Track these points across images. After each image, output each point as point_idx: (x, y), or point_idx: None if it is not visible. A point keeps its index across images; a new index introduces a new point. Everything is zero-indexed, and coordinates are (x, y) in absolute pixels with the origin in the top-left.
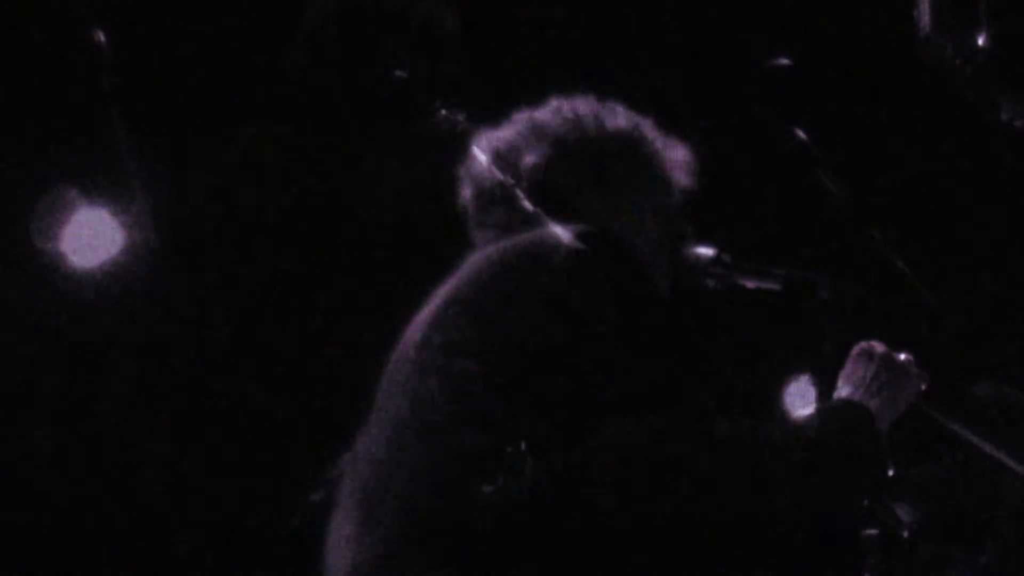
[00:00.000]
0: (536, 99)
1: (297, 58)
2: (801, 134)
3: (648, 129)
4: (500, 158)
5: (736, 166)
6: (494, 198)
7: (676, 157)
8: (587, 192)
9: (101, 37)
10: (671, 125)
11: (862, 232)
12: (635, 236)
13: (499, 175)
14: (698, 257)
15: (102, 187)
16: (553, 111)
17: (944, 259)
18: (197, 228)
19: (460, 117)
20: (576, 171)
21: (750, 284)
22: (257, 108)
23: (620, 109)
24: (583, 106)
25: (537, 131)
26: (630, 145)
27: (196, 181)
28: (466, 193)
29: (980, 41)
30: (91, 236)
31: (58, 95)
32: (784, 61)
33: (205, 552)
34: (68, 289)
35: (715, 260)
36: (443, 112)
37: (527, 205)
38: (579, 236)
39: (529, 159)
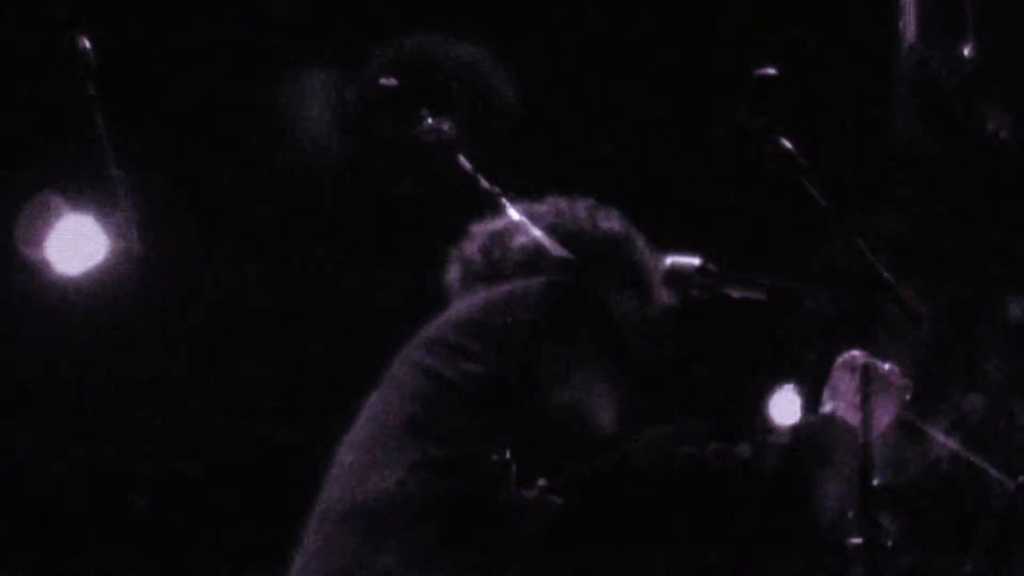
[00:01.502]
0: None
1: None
2: (786, 143)
3: (639, 239)
4: (491, 240)
5: (721, 175)
6: (478, 277)
7: (661, 270)
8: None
9: (86, 42)
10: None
11: (846, 241)
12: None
13: (485, 184)
14: (684, 267)
15: (87, 193)
16: (550, 204)
17: (930, 268)
18: (181, 234)
19: (446, 127)
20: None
21: (735, 294)
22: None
23: (616, 214)
24: (580, 204)
25: (531, 217)
26: (618, 248)
27: (181, 186)
28: (453, 272)
29: (966, 52)
30: (76, 243)
31: (43, 100)
32: (769, 71)
33: (194, 554)
34: (52, 296)
35: (700, 270)
36: (429, 121)
37: (514, 214)
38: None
39: (519, 240)
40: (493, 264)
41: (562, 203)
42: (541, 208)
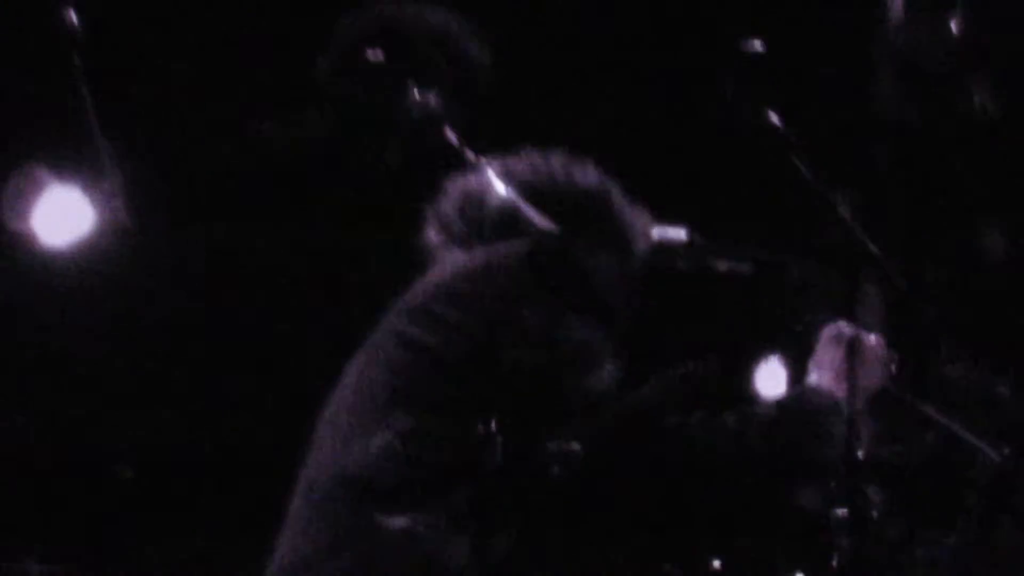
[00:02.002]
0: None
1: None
2: (774, 118)
3: (615, 192)
4: (468, 199)
5: (708, 149)
6: (457, 237)
7: (640, 223)
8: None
9: (72, 13)
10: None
11: (833, 215)
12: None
13: (472, 157)
14: (670, 239)
15: (73, 165)
16: (524, 160)
17: (915, 242)
18: (168, 206)
19: (432, 100)
20: (540, 216)
21: (721, 266)
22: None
23: (591, 167)
24: (555, 159)
25: (506, 175)
26: (595, 202)
27: (168, 157)
28: (431, 233)
29: (953, 27)
30: (62, 215)
31: (28, 72)
32: (757, 45)
33: (180, 525)
34: (38, 268)
35: (687, 242)
36: (416, 94)
37: (500, 188)
38: (532, 250)
39: (496, 199)
40: (470, 223)
41: (537, 159)
42: (516, 165)
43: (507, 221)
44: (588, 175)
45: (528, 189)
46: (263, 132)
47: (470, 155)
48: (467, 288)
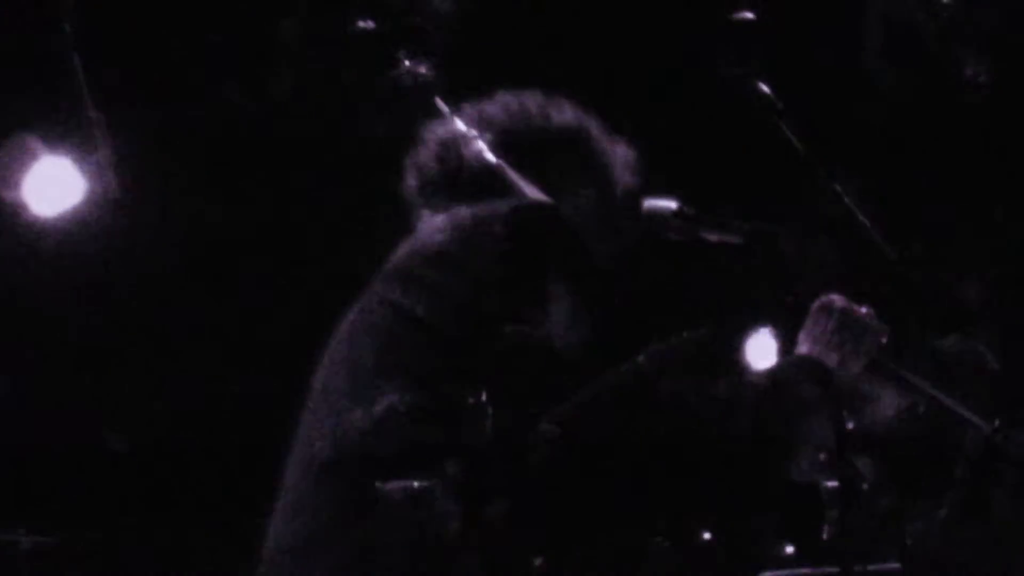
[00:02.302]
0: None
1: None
2: (764, 87)
3: (593, 126)
4: (445, 147)
5: (698, 119)
6: (437, 186)
7: (620, 155)
8: (529, 182)
9: None
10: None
11: (824, 186)
12: (575, 220)
13: (462, 126)
14: (661, 210)
15: (64, 135)
16: (500, 104)
17: (907, 213)
18: (158, 176)
19: (424, 69)
20: (519, 161)
21: (712, 237)
22: (220, 60)
23: (567, 105)
24: (530, 100)
25: (484, 122)
26: (574, 140)
27: (157, 129)
28: (411, 182)
29: None
30: (52, 184)
31: (19, 42)
32: (747, 14)
33: (172, 495)
34: (28, 237)
35: (677, 213)
36: (407, 64)
37: (490, 157)
38: (517, 209)
39: (474, 147)
40: (449, 173)
41: (512, 101)
42: (491, 109)
43: (487, 169)
44: (564, 113)
45: (506, 134)
46: (230, 97)
47: (462, 127)
48: (454, 250)
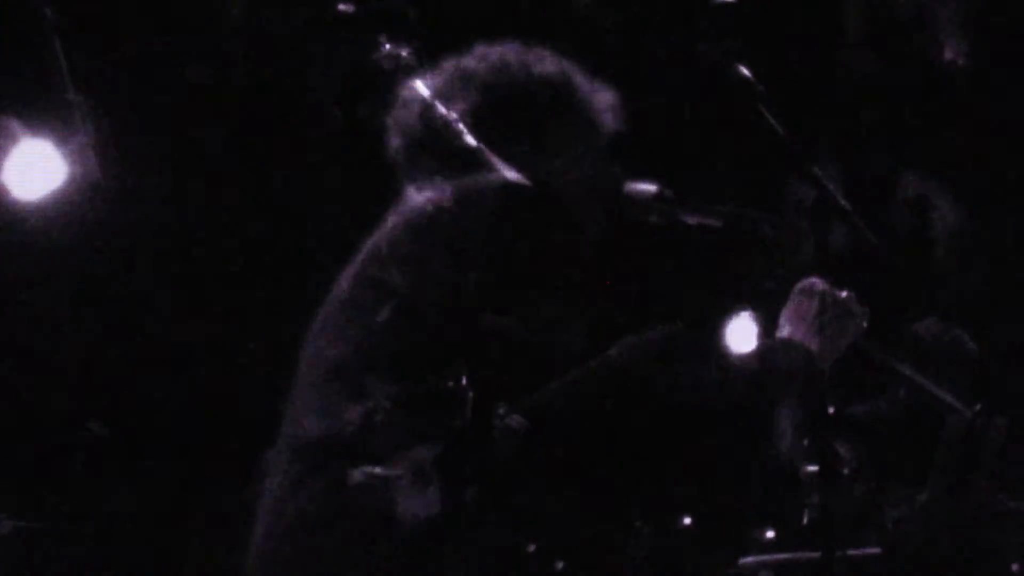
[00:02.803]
0: (477, 32)
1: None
2: (744, 70)
3: (575, 74)
4: (428, 107)
5: (679, 103)
6: (423, 146)
7: (604, 101)
8: (516, 139)
9: None
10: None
11: (804, 170)
12: (565, 182)
13: (441, 110)
14: (640, 193)
15: (45, 118)
16: (479, 58)
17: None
18: (139, 159)
19: (404, 53)
20: (504, 118)
21: (692, 220)
22: (201, 43)
23: (547, 55)
24: (510, 53)
25: (464, 79)
26: (558, 91)
27: (139, 113)
28: (395, 142)
29: None
30: (33, 167)
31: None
32: None
33: (154, 482)
34: (9, 221)
35: (657, 196)
36: (387, 47)
37: (469, 141)
38: (507, 185)
39: (457, 107)
40: (435, 132)
41: (490, 54)
42: (470, 63)
43: (473, 125)
44: (546, 64)
45: (488, 90)
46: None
47: (442, 110)
48: (441, 228)
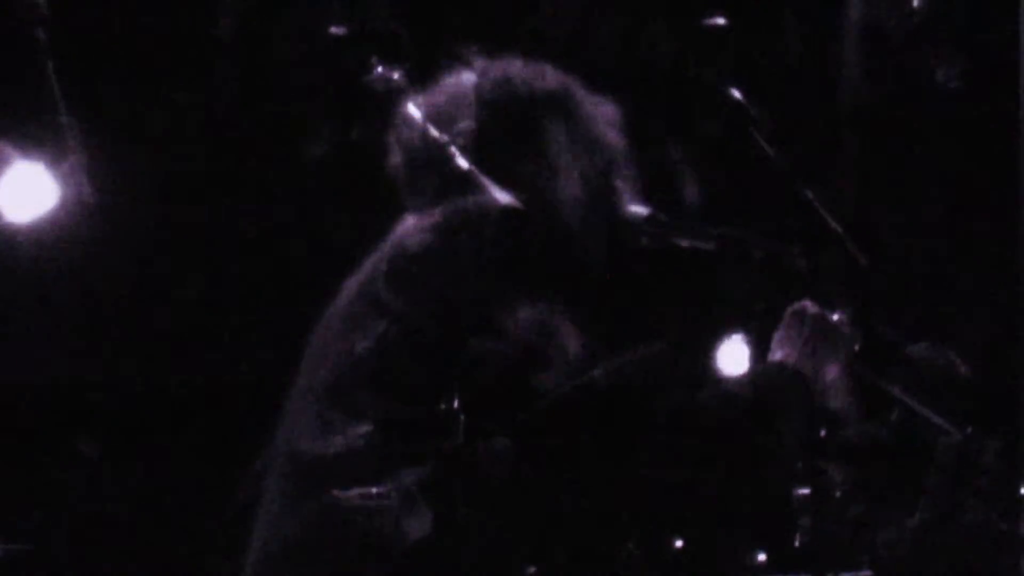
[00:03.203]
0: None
1: (226, 21)
2: (736, 94)
3: (576, 89)
4: (421, 129)
5: (671, 126)
6: (424, 163)
7: (606, 115)
8: (519, 156)
9: None
10: (605, 85)
11: (796, 192)
12: (567, 200)
13: (434, 135)
14: (633, 215)
15: (37, 140)
16: (481, 73)
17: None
18: (132, 182)
19: (396, 75)
20: (508, 135)
21: (684, 243)
22: (192, 65)
23: (548, 69)
24: (511, 67)
25: (467, 94)
26: (560, 106)
27: (131, 137)
28: (395, 159)
29: (915, 2)
30: (25, 190)
31: None
32: (719, 20)
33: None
34: (1, 243)
35: (649, 219)
36: (379, 70)
37: (462, 164)
38: (508, 208)
39: (461, 124)
40: (429, 155)
41: (492, 68)
42: (471, 79)
43: (474, 147)
44: (548, 78)
45: (490, 106)
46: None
47: (434, 133)
48: (436, 249)
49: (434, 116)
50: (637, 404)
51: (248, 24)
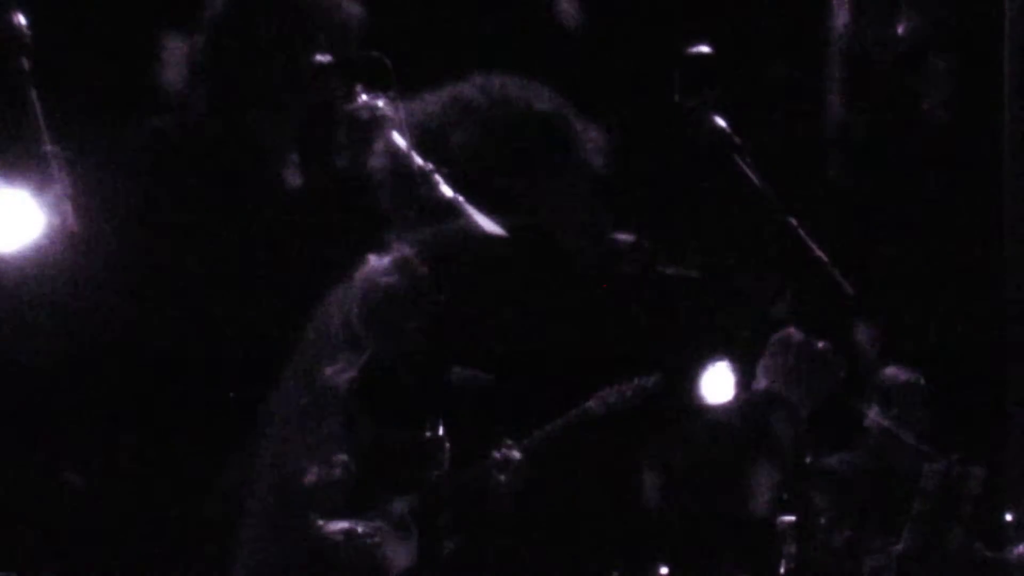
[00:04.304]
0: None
1: (204, 48)
2: (720, 121)
3: (569, 112)
4: (424, 135)
5: (656, 154)
6: (412, 182)
7: (595, 141)
8: (512, 175)
9: (20, 17)
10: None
11: (780, 220)
12: (557, 220)
13: (419, 161)
14: (618, 243)
15: (21, 169)
16: (479, 88)
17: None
18: (117, 211)
19: (381, 103)
20: (502, 154)
21: (669, 271)
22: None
23: (543, 90)
24: (510, 86)
25: (463, 109)
26: (554, 128)
27: (114, 164)
28: (376, 190)
29: (900, 30)
30: (10, 219)
31: None
32: (703, 48)
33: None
34: None
35: (634, 246)
36: (364, 97)
37: (446, 191)
38: (482, 237)
39: (456, 139)
40: (412, 183)
41: (490, 84)
42: (469, 92)
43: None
44: (543, 99)
45: (488, 124)
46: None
47: (419, 161)
48: (407, 282)
49: (429, 126)
50: (627, 432)
51: (228, 51)
